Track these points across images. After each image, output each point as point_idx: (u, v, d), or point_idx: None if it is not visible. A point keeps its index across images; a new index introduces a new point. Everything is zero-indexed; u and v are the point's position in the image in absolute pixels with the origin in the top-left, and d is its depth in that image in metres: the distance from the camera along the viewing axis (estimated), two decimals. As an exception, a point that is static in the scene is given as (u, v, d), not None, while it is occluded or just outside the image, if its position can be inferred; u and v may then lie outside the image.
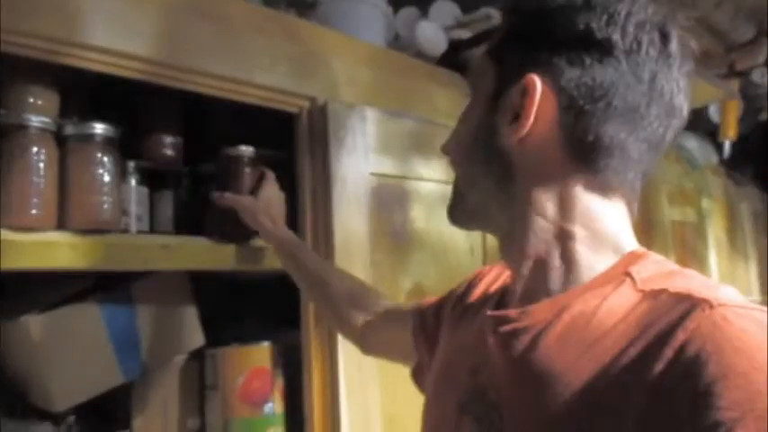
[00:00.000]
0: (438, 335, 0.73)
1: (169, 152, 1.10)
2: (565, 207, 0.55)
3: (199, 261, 1.01)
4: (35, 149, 0.88)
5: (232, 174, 1.09)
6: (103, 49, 0.89)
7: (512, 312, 0.56)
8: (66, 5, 0.85)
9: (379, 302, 0.91)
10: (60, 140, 0.92)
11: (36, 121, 0.88)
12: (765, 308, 0.46)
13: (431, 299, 0.83)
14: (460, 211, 0.63)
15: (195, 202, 1.13)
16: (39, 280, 0.99)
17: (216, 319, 1.17)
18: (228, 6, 1.04)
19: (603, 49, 0.53)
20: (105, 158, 0.94)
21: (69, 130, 0.93)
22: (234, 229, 1.05)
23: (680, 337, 0.44)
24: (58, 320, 0.95)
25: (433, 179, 1.25)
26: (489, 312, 0.59)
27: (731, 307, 0.45)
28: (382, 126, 1.19)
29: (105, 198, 0.93)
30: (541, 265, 0.56)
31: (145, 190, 1.08)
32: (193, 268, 1.05)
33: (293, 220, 1.10)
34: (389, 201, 1.19)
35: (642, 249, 0.56)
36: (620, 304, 0.50)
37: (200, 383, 1.15)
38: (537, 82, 0.54)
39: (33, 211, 0.86)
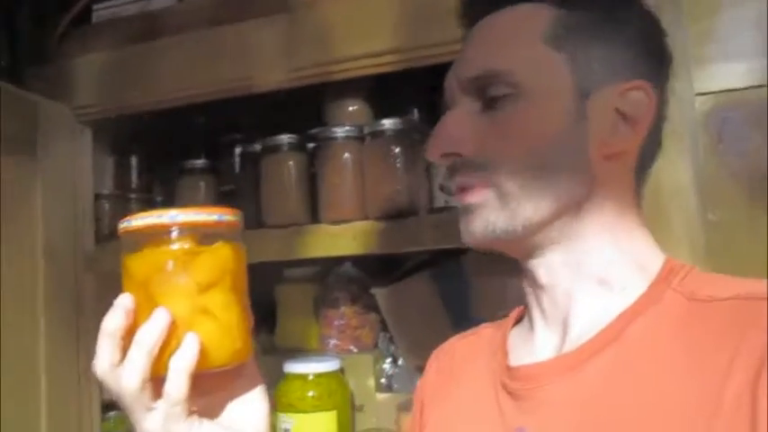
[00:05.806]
0: None
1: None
2: (626, 239, 0.51)
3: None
4: (345, 155, 1.06)
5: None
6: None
7: (570, 356, 0.49)
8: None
9: None
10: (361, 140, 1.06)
11: (341, 131, 1.06)
12: None
13: None
14: (500, 227, 0.51)
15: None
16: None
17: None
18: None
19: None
20: (397, 150, 1.03)
21: (366, 129, 1.06)
22: None
23: None
24: (399, 292, 1.10)
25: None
26: (543, 361, 0.52)
27: None
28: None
29: (399, 188, 1.02)
30: (598, 294, 0.50)
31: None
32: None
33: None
34: (737, 128, 0.79)
35: (673, 260, 0.51)
36: (678, 321, 0.46)
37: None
38: (650, 88, 0.49)
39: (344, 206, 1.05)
